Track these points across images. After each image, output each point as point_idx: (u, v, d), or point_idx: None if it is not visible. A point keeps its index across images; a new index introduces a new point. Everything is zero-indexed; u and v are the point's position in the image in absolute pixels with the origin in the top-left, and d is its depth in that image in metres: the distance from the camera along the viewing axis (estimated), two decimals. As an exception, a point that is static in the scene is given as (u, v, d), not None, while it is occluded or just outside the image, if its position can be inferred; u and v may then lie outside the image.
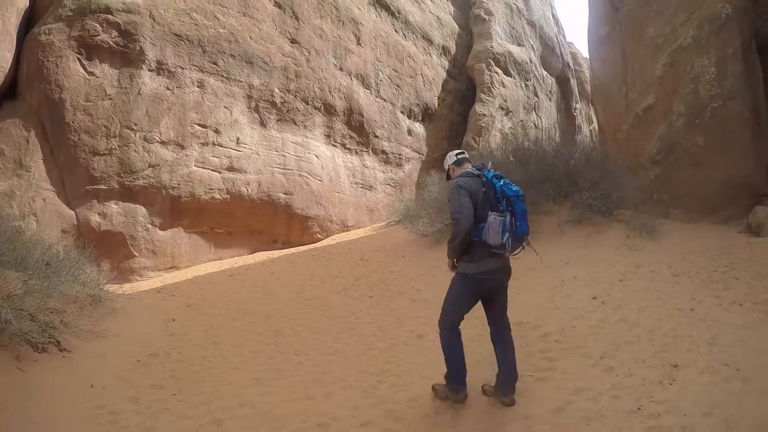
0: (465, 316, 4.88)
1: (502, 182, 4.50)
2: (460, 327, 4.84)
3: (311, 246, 14.52)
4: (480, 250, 4.43)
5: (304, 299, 9.22)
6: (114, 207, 11.73)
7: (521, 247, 4.76)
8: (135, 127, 11.98)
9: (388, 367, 5.93)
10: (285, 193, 14.49)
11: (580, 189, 11.46)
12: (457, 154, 4.96)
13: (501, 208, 4.40)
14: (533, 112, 23.78)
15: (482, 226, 4.33)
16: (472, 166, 4.74)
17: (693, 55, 13.11)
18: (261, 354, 6.39)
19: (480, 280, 4.58)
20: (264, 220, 14.42)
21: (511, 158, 12.83)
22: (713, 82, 12.57)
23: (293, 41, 15.01)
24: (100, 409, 4.85)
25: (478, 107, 20.69)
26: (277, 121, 14.72)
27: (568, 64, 31.88)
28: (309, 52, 15.33)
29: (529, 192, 11.64)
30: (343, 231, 16.11)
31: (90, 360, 5.70)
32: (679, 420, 4.59)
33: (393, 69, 18.48)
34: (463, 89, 22.50)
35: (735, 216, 12.32)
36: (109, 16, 11.69)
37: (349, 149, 16.87)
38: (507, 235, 4.33)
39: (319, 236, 15.52)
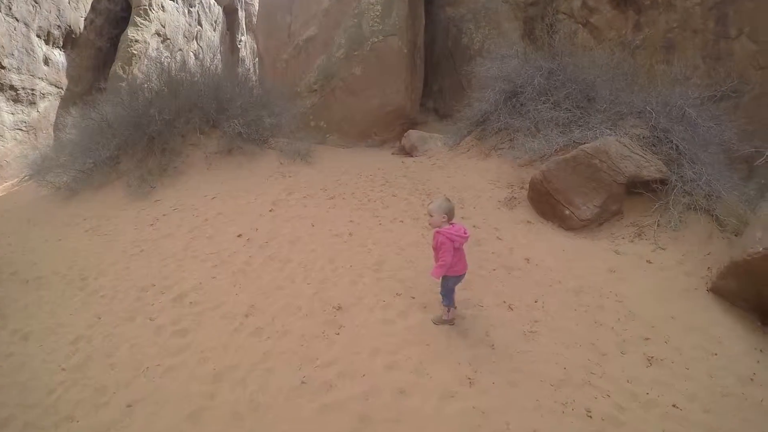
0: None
1: None
2: None
3: None
4: None
5: None
6: None
7: None
8: None
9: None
10: None
11: (229, 117, 10.15)
12: None
13: None
14: (195, 41, 21.32)
15: None
16: None
17: (361, -8, 13.09)
18: None
19: None
20: None
21: (165, 89, 10.72)
22: (377, 19, 12.83)
23: None
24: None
25: (131, 32, 17.33)
26: None
27: (239, -5, 29.70)
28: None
29: (175, 123, 10.13)
30: (-38, 201, 12.24)
31: None
32: (358, 385, 3.53)
33: (32, -23, 13.93)
34: (117, 11, 18.46)
35: (388, 140, 12.93)
36: None
37: (-34, 86, 12.49)
38: None
39: (-73, 214, 11.57)
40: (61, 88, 15.58)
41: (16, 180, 12.48)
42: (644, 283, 4.96)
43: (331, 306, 4.63)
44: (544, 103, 8.55)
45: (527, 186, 7.10)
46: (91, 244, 7.23)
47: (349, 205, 7.55)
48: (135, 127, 9.90)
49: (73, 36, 16.12)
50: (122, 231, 7.49)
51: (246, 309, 4.75)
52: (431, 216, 3.83)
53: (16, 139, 13.73)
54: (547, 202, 6.56)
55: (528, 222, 6.58)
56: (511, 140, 8.82)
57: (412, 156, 10.91)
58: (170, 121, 9.90)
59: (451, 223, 3.81)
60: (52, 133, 14.43)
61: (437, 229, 3.81)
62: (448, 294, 4.04)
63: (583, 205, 6.15)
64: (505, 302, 4.56)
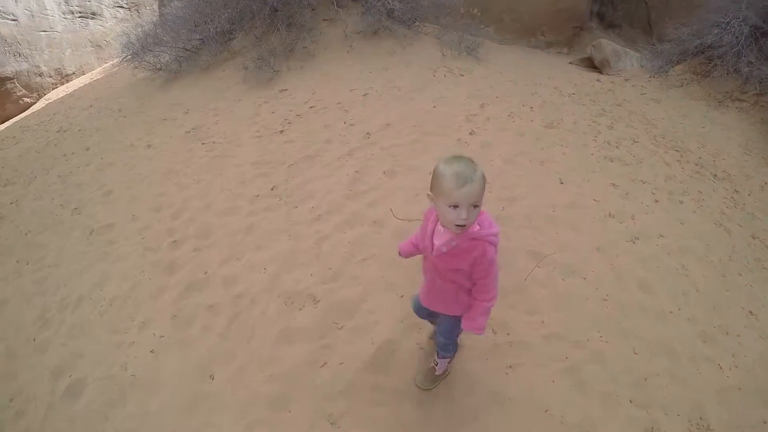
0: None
1: None
2: None
3: (16, 119, 8.04)
4: None
5: None
6: None
7: None
8: None
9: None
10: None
11: (375, -12, 6.33)
12: None
13: None
14: None
15: None
16: None
17: None
18: None
19: None
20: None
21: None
22: None
23: None
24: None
25: None
26: None
27: None
28: None
29: None
30: (62, 83, 9.16)
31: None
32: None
33: None
34: None
35: (555, 43, 8.70)
36: None
37: (55, -39, 9.13)
38: None
39: (28, 100, 8.73)
40: (169, -41, 11.81)
41: (116, 61, 9.30)
42: None
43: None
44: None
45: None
46: (190, 160, 3.98)
47: (584, 145, 3.83)
48: (253, -4, 6.34)
49: None
50: (237, 138, 4.17)
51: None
52: (474, 207, 1.26)
53: (116, 17, 10.34)
54: None
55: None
56: (759, 94, 5.19)
57: (602, 72, 6.92)
58: (299, -11, 6.23)
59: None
60: (156, 9, 10.95)
61: (480, 232, 1.35)
62: (455, 339, 1.70)
63: None
64: None
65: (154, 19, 9.53)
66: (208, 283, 2.41)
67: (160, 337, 2.15)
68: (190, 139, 4.40)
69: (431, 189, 1.31)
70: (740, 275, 2.75)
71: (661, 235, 2.86)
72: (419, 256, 1.63)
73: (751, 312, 2.51)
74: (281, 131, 4.10)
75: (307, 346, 1.96)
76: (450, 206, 1.25)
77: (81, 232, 3.24)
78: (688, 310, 2.38)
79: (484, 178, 1.26)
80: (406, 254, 1.65)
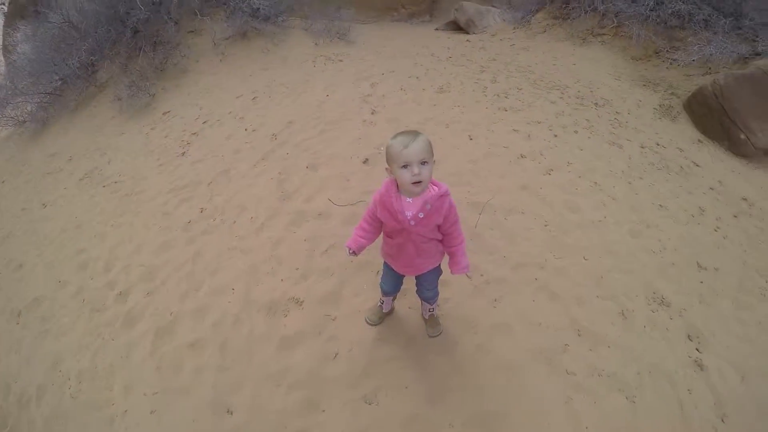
0: None
1: None
2: None
3: None
4: None
5: None
6: None
7: None
8: None
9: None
10: None
11: (234, -10, 5.95)
12: None
13: None
14: None
15: None
16: None
17: None
18: None
19: None
20: None
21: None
22: None
23: None
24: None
25: None
26: None
27: None
28: None
29: (164, 5, 5.83)
30: None
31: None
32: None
33: None
34: None
35: (417, 13, 8.73)
36: None
37: None
38: None
39: None
40: (3, 3, 10.09)
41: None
42: None
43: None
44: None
45: (669, 89, 4.69)
46: (98, 207, 3.59)
47: (477, 102, 4.03)
48: (110, 21, 5.75)
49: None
50: (138, 171, 3.83)
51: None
52: (423, 164, 1.38)
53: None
54: (716, 120, 4.19)
55: (699, 141, 4.04)
56: (617, 27, 5.73)
57: (469, 33, 7.20)
58: (157, 5, 5.71)
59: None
60: (1, 57, 9.40)
61: (442, 190, 1.48)
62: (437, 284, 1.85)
63: (759, 131, 4.02)
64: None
65: (2, 69, 8.17)
66: (178, 323, 2.23)
67: (153, 394, 1.96)
68: (88, 186, 3.94)
69: (387, 162, 1.42)
70: (642, 179, 3.17)
71: (569, 163, 3.17)
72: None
73: (660, 205, 2.94)
74: (183, 153, 3.82)
75: (311, 345, 1.93)
76: (402, 167, 1.35)
77: (7, 317, 2.80)
78: (612, 216, 2.75)
79: (428, 140, 1.38)
80: (359, 249, 1.63)
